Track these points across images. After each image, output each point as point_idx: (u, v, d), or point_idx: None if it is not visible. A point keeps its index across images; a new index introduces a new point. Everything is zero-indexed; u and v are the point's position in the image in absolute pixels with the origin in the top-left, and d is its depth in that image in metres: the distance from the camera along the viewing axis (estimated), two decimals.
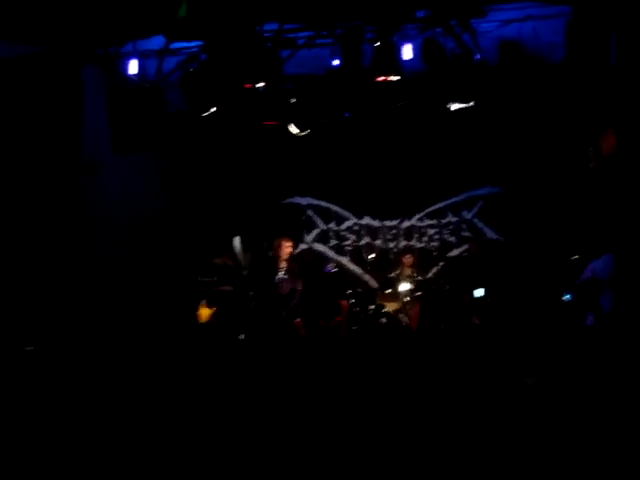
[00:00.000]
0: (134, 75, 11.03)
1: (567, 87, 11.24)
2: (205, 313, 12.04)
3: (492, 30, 10.56)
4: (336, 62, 10.87)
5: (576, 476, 6.31)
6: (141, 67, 11.12)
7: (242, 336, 11.34)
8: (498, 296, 11.80)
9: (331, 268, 12.76)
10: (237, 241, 11.73)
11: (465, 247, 13.61)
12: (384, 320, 12.31)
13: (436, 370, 9.52)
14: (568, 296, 10.42)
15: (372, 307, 12.42)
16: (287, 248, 11.39)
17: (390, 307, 12.41)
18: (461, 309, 12.09)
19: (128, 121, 11.37)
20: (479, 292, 11.81)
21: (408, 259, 12.68)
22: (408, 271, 12.62)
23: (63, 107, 11.20)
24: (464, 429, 7.33)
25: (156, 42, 10.92)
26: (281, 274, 11.35)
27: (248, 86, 10.66)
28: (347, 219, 14.28)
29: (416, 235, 14.01)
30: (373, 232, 14.19)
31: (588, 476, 6.29)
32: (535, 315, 11.11)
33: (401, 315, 12.34)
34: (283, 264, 11.39)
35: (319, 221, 14.34)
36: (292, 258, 11.62)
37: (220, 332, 11.80)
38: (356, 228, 14.26)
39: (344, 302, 12.24)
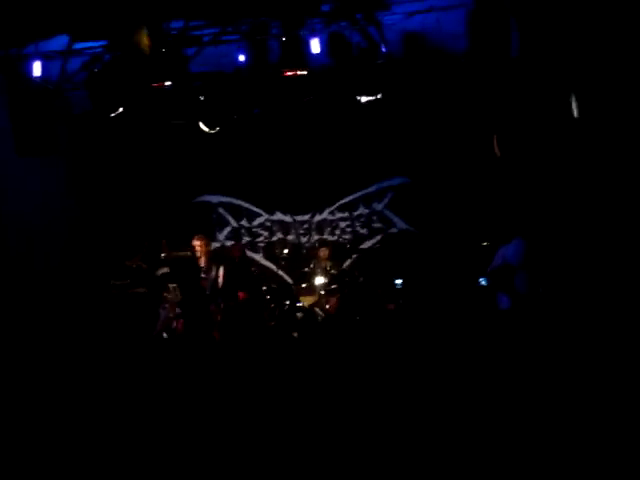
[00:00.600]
0: (38, 77, 10.78)
1: (470, 77, 11.47)
2: None
3: (397, 23, 10.64)
4: (243, 58, 10.84)
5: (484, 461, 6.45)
6: (44, 69, 10.88)
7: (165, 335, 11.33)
8: (413, 285, 11.97)
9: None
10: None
11: (377, 239, 13.78)
12: (300, 315, 12.34)
13: (352, 358, 9.62)
14: (483, 281, 10.64)
15: (287, 302, 12.43)
16: (197, 247, 11.59)
17: (306, 301, 12.44)
18: (376, 299, 12.21)
19: (31, 124, 11.13)
20: (398, 282, 11.99)
21: (324, 252, 12.74)
22: (323, 264, 12.67)
23: None
24: (382, 416, 7.42)
25: (59, 42, 10.70)
26: (203, 274, 11.61)
27: (156, 85, 10.53)
28: (259, 215, 14.27)
29: (328, 229, 14.09)
30: (285, 227, 14.21)
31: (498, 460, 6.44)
32: (450, 300, 11.31)
33: (317, 309, 12.39)
34: (202, 262, 11.60)
35: (230, 218, 14.30)
36: (212, 255, 11.85)
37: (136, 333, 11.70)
38: (268, 224, 14.26)
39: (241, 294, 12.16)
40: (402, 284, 11.99)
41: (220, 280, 11.65)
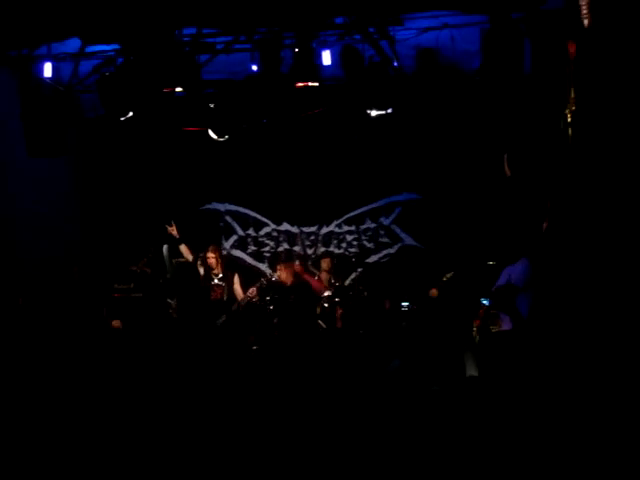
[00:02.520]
0: (49, 78, 10.81)
1: (482, 95, 11.44)
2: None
3: (410, 38, 10.64)
4: (255, 67, 10.85)
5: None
6: (56, 70, 10.92)
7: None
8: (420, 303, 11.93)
9: None
10: (165, 249, 11.78)
11: (383, 253, 13.74)
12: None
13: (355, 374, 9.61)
14: (486, 301, 10.57)
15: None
16: (211, 258, 11.70)
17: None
18: (381, 315, 12.16)
19: (42, 125, 11.18)
20: (405, 304, 11.99)
21: (326, 262, 12.66)
22: (326, 276, 12.63)
23: None
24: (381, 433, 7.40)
25: (71, 45, 10.74)
26: (216, 280, 11.68)
27: (167, 90, 10.53)
28: (266, 225, 14.25)
29: (335, 241, 14.05)
30: (292, 238, 14.18)
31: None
32: (455, 319, 11.25)
33: (319, 321, 12.33)
34: (217, 270, 11.70)
35: (237, 227, 14.29)
36: (227, 263, 12.16)
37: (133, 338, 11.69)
38: (275, 234, 14.24)
39: None
40: (408, 306, 11.98)
41: (237, 287, 11.78)
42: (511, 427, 7.42)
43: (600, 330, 8.10)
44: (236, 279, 11.85)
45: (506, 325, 9.36)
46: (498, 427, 7.49)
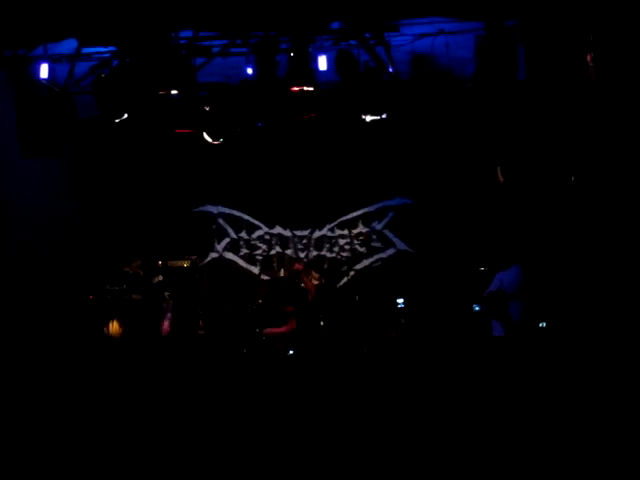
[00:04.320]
0: (45, 79, 10.80)
1: (476, 102, 11.50)
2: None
3: (405, 44, 10.68)
4: (250, 71, 10.86)
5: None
6: (51, 71, 10.91)
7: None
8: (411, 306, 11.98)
9: None
10: None
11: (375, 258, 13.78)
12: None
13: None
14: (477, 307, 10.62)
15: None
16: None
17: None
18: (374, 320, 12.21)
19: (36, 126, 11.15)
20: (400, 301, 12.04)
21: (313, 275, 12.70)
22: (316, 282, 12.65)
23: None
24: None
25: (67, 46, 10.73)
26: None
27: (162, 93, 10.54)
28: (258, 228, 14.27)
29: (327, 245, 14.08)
30: (284, 242, 14.20)
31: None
32: (445, 324, 11.30)
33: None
34: None
35: (230, 230, 14.30)
36: None
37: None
38: (267, 237, 14.26)
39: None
40: (404, 303, 12.03)
41: None
42: (506, 430, 7.46)
43: (595, 334, 8.17)
44: None
45: (497, 331, 9.41)
46: (494, 430, 7.53)
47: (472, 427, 7.72)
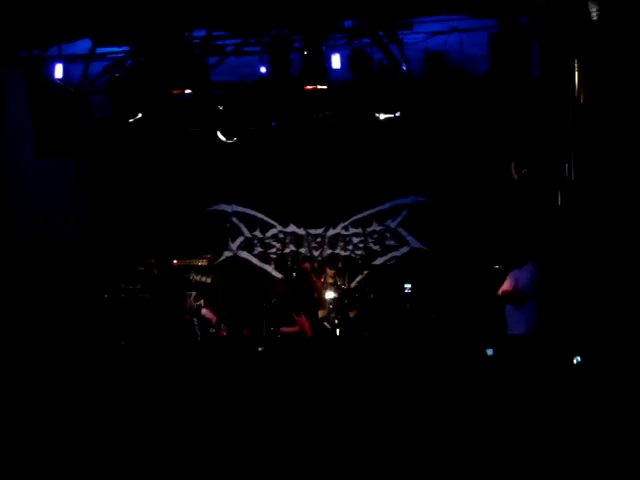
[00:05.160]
0: (59, 79, 10.84)
1: (489, 99, 11.48)
2: None
3: (419, 42, 10.66)
4: (264, 70, 10.87)
5: None
6: (66, 71, 10.94)
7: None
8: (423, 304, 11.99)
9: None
10: None
11: (389, 256, 13.79)
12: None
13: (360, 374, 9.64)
14: (489, 351, 10.67)
15: None
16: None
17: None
18: (388, 316, 12.25)
19: (51, 125, 11.19)
20: (407, 286, 12.09)
21: (330, 272, 12.77)
22: (332, 280, 12.69)
23: None
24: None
25: (82, 46, 10.77)
26: None
27: (176, 92, 10.56)
28: (272, 227, 14.29)
29: (341, 243, 14.08)
30: (298, 240, 14.22)
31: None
32: (459, 321, 11.30)
33: (325, 323, 12.38)
34: None
35: (244, 228, 14.32)
36: None
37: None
38: (281, 236, 14.28)
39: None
40: (411, 288, 12.10)
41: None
42: (523, 429, 7.46)
43: (608, 333, 8.14)
44: None
45: (518, 330, 9.34)
46: (510, 429, 7.53)
47: (478, 425, 7.74)
